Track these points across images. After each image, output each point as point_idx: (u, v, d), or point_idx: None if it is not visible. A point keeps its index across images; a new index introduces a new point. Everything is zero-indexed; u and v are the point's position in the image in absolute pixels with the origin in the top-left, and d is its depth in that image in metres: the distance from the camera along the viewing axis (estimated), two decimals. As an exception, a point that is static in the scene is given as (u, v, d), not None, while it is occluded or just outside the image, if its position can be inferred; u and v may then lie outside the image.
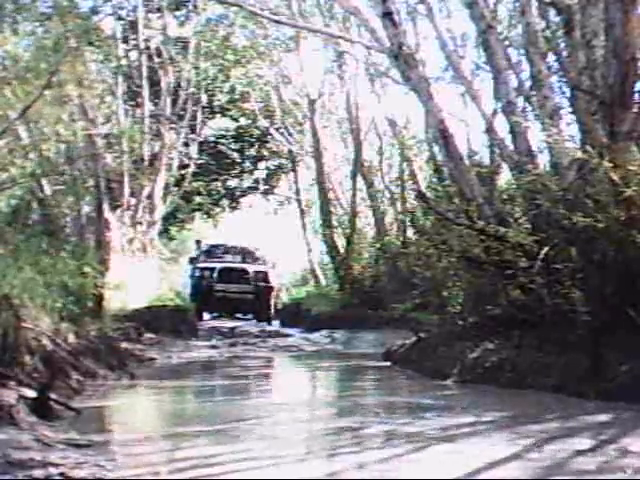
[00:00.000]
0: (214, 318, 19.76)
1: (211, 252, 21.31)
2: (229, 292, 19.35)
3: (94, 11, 14.60)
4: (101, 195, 15.08)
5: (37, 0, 11.36)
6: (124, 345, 10.09)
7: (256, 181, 26.36)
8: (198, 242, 22.24)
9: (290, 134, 23.23)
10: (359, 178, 18.89)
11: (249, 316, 20.29)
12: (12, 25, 10.84)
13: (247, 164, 25.85)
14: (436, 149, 13.52)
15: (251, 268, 20.05)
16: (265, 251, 22.31)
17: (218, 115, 24.03)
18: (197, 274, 19.85)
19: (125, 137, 15.00)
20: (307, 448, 5.03)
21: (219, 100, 22.97)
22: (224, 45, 20.54)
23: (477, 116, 11.90)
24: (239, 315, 20.27)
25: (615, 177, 6.77)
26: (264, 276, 19.94)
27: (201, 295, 19.06)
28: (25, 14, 11.02)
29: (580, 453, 4.38)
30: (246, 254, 21.54)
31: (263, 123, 23.48)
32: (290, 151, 23.76)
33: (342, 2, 11.85)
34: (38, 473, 3.82)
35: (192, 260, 21.13)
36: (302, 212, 23.87)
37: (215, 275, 19.44)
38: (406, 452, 4.50)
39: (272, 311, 20.18)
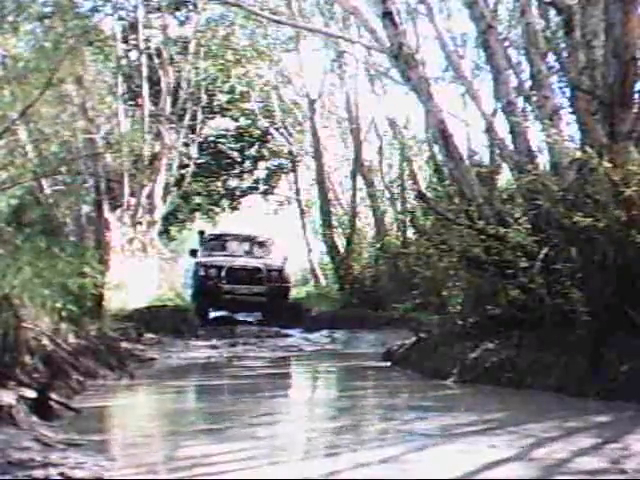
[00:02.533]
0: (217, 322, 17.26)
1: (216, 244, 18.60)
2: (238, 294, 16.90)
3: (94, 10, 14.63)
4: (101, 195, 15.10)
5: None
6: (124, 345, 10.09)
7: (256, 181, 26.37)
8: (201, 233, 19.67)
9: (290, 134, 23.24)
10: (359, 178, 18.90)
11: (256, 313, 18.17)
12: (12, 25, 10.85)
13: (247, 164, 25.87)
14: (436, 149, 13.53)
15: (263, 266, 17.37)
16: (276, 240, 19.61)
17: (218, 115, 24.04)
18: (201, 273, 17.23)
19: (126, 139, 15.03)
20: (307, 448, 5.03)
21: (219, 100, 22.98)
22: (224, 45, 20.56)
23: (477, 116, 11.91)
24: (249, 319, 18.07)
25: (615, 177, 6.77)
26: (278, 275, 17.39)
27: (205, 297, 16.90)
28: (25, 14, 11.02)
29: (580, 453, 4.38)
30: (256, 245, 18.94)
31: (263, 123, 23.49)
32: (290, 151, 23.77)
33: (342, 2, 11.86)
34: (38, 473, 3.82)
35: (194, 252, 18.39)
36: (302, 212, 23.87)
37: (223, 275, 16.92)
38: (406, 452, 4.50)
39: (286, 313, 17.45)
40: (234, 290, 16.87)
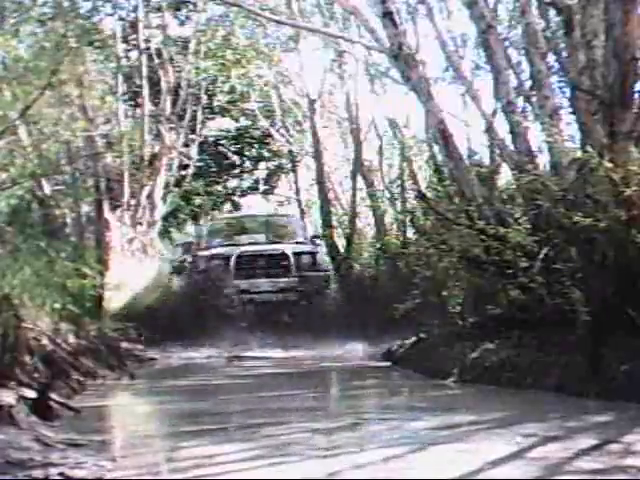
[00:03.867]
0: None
1: (220, 231, 14.18)
2: (257, 293, 12.04)
3: (94, 10, 14.65)
4: (101, 195, 15.10)
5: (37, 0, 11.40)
6: (124, 345, 10.10)
7: (256, 181, 26.37)
8: (197, 224, 14.46)
9: (290, 134, 23.24)
10: (359, 178, 18.89)
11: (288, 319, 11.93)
12: (13, 25, 10.86)
13: (247, 164, 25.87)
14: (436, 149, 13.52)
15: (290, 248, 12.80)
16: (304, 221, 14.98)
17: (218, 115, 24.04)
18: (199, 265, 12.62)
19: (125, 138, 15.03)
20: (307, 448, 5.02)
21: (219, 100, 22.97)
22: (224, 45, 20.56)
23: (477, 116, 11.90)
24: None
25: (615, 177, 6.77)
26: (311, 260, 12.85)
27: (207, 305, 11.65)
28: (26, 15, 11.03)
29: (581, 453, 4.37)
30: (276, 228, 14.38)
31: (263, 123, 23.48)
32: (290, 151, 23.77)
33: (342, 2, 11.85)
34: (38, 473, 3.81)
35: (187, 247, 14.18)
36: (302, 212, 23.85)
37: (232, 265, 12.06)
38: (406, 452, 4.49)
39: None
40: (250, 288, 12.00)
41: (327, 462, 4.34)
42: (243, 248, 12.56)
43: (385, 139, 18.91)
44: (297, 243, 13.76)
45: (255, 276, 12.25)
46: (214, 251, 12.87)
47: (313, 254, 13.04)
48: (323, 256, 13.37)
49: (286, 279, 12.33)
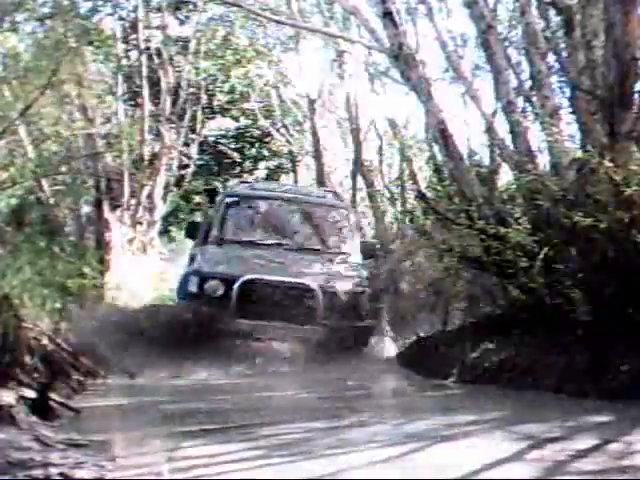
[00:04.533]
0: None
1: (239, 216, 10.19)
2: (262, 339, 8.95)
3: (94, 10, 14.67)
4: (101, 195, 15.11)
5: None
6: (124, 345, 10.08)
7: (256, 181, 26.36)
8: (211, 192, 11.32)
9: (290, 134, 23.25)
10: (359, 178, 18.90)
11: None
12: (13, 25, 10.87)
13: (247, 164, 25.87)
14: (436, 149, 13.53)
15: (320, 283, 9.09)
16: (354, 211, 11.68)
17: (218, 115, 24.04)
18: (191, 287, 9.20)
19: (125, 136, 15.04)
20: (307, 447, 5.02)
21: (219, 100, 22.98)
22: (224, 45, 20.57)
23: (477, 116, 11.91)
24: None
25: (615, 177, 6.77)
26: (351, 303, 9.21)
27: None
28: (26, 14, 11.04)
29: (581, 453, 4.37)
30: (319, 223, 10.29)
31: (263, 123, 23.50)
32: (290, 151, 23.78)
33: (342, 2, 11.87)
34: (38, 473, 3.81)
35: (192, 231, 10.89)
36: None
37: (233, 297, 8.89)
38: (406, 452, 4.49)
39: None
40: (254, 330, 8.90)
41: (327, 462, 4.34)
42: (251, 275, 8.97)
43: (385, 139, 18.94)
44: (340, 254, 9.91)
45: (264, 316, 8.88)
46: (210, 268, 9.33)
47: (355, 293, 9.10)
48: (367, 296, 9.41)
49: (307, 327, 8.93)
